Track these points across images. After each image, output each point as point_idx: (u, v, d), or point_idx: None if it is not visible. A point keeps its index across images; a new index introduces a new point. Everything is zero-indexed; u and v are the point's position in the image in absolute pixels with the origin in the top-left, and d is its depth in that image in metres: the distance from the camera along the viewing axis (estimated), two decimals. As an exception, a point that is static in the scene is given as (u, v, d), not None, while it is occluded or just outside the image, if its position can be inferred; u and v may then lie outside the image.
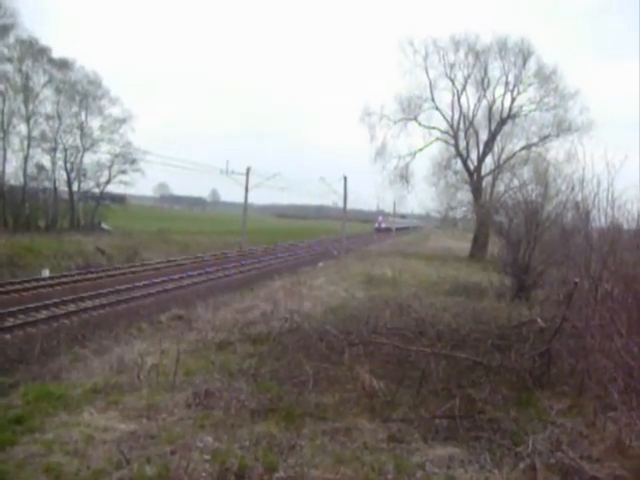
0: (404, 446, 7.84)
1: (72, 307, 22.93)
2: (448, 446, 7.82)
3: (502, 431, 8.23)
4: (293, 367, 10.94)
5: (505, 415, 8.73)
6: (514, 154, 55.26)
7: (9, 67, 49.49)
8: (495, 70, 55.74)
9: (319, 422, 8.56)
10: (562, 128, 53.77)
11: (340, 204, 64.56)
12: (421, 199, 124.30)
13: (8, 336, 18.15)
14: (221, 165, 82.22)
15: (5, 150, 49.25)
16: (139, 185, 58.72)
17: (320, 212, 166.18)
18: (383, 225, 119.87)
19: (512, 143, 56.71)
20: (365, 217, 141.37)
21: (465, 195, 58.14)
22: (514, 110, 55.63)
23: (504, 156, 56.12)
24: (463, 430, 8.24)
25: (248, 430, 8.10)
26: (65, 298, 24.06)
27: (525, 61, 54.23)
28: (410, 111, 57.31)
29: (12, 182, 50.95)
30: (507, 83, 55.16)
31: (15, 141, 50.75)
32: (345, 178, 56.89)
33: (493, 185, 54.27)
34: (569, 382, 10.46)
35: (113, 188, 61.19)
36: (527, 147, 55.27)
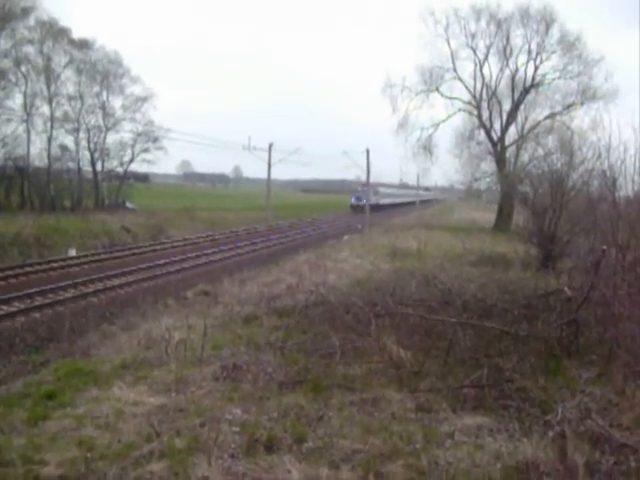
0: (432, 416, 7.85)
1: (99, 285, 23.18)
2: (476, 415, 7.81)
3: (531, 400, 8.17)
4: (320, 339, 10.97)
5: (533, 384, 8.67)
6: (538, 123, 54.63)
7: (30, 49, 49.76)
8: (517, 38, 55.04)
9: (347, 393, 8.59)
10: (587, 96, 53.04)
11: (363, 178, 64.22)
12: (444, 171, 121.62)
13: (38, 315, 18.40)
14: (243, 141, 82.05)
15: (29, 132, 49.66)
16: (162, 163, 59.17)
17: (343, 186, 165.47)
18: (366, 201, 64.12)
19: (536, 112, 56.16)
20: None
21: (489, 166, 57.71)
22: (537, 79, 54.99)
23: (528, 126, 55.59)
24: (491, 399, 8.22)
25: (276, 402, 8.15)
26: (92, 277, 24.33)
27: (548, 28, 53.41)
28: (432, 82, 56.85)
29: (37, 163, 51.38)
30: (530, 51, 54.43)
31: (38, 123, 51.15)
32: (367, 151, 56.45)
33: (517, 155, 53.75)
34: (597, 350, 10.39)
35: (136, 167, 61.67)
36: (551, 116, 54.55)
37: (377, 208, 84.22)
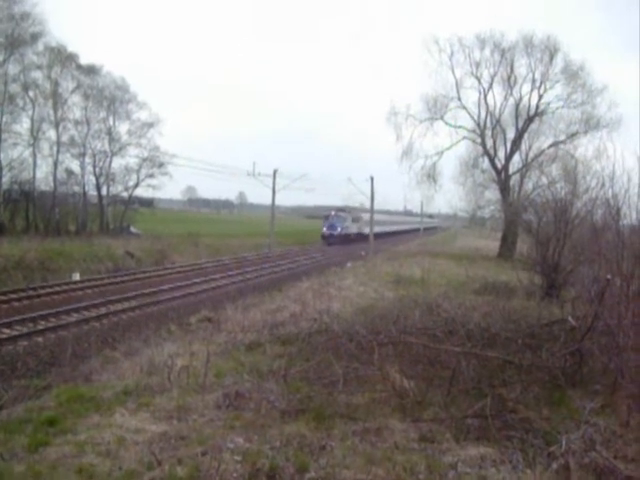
0: (435, 446, 7.79)
1: (102, 310, 23.20)
2: (480, 446, 7.75)
3: (534, 430, 8.12)
4: (323, 367, 10.91)
5: (537, 414, 8.64)
6: (542, 152, 54.98)
7: (39, 74, 50.20)
8: (521, 67, 55.64)
9: (349, 422, 8.53)
10: (590, 125, 53.41)
11: (367, 205, 64.36)
12: (448, 199, 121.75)
13: (40, 339, 18.42)
14: (248, 167, 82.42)
15: (35, 156, 49.90)
16: (167, 189, 59.51)
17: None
18: (342, 229, 72.97)
19: (540, 141, 56.64)
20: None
21: (493, 194, 57.99)
22: (541, 107, 55.46)
23: (532, 154, 56.04)
24: (495, 430, 8.15)
25: (278, 431, 8.09)
26: (95, 301, 24.34)
27: (552, 58, 53.95)
28: (436, 110, 57.38)
29: (42, 187, 51.55)
30: (534, 80, 54.99)
31: (45, 147, 51.48)
32: (372, 179, 56.72)
33: (521, 183, 53.92)
34: (602, 381, 10.34)
35: (141, 192, 62.11)
36: (555, 144, 54.86)
37: (360, 238, 74.02)
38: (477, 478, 6.86)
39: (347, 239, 73.02)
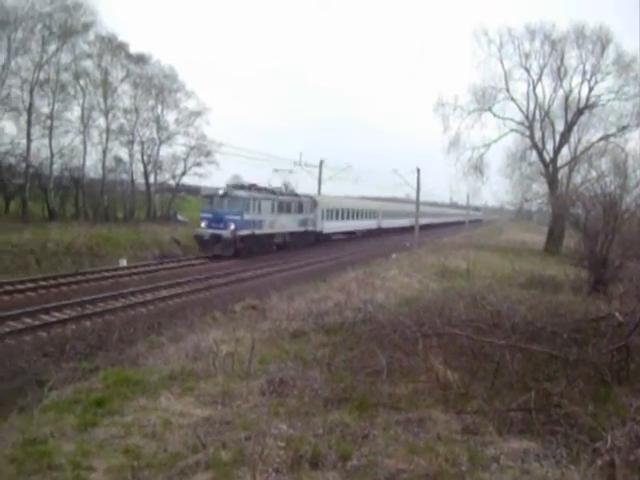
0: (478, 438, 7.78)
1: (148, 296, 23.51)
2: (523, 440, 7.72)
3: (579, 426, 8.05)
4: (366, 357, 10.95)
5: (582, 410, 8.52)
6: (591, 145, 54.03)
7: (89, 63, 50.88)
8: (572, 59, 54.56)
9: (392, 412, 8.57)
10: (642, 118, 52.24)
11: (413, 196, 63.81)
12: (495, 191, 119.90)
13: (88, 323, 18.78)
14: (294, 157, 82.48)
15: (85, 143, 50.60)
16: (213, 177, 59.27)
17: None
18: (243, 226, 38.46)
19: (589, 134, 55.64)
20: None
21: (540, 187, 57.19)
22: (591, 100, 54.39)
23: (581, 147, 55.09)
24: (538, 424, 8.10)
25: (322, 418, 8.16)
26: (142, 287, 24.67)
27: (603, 49, 52.82)
28: (484, 102, 56.67)
29: (92, 175, 52.30)
30: (584, 72, 53.87)
31: (94, 134, 52.13)
32: (418, 170, 56.24)
33: (569, 177, 52.98)
34: (649, 378, 10.21)
35: (188, 180, 62.29)
36: (605, 138, 53.88)
37: (324, 238, 53.51)
38: (520, 472, 6.84)
39: (265, 245, 42.33)
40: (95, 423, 8.07)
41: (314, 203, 51.80)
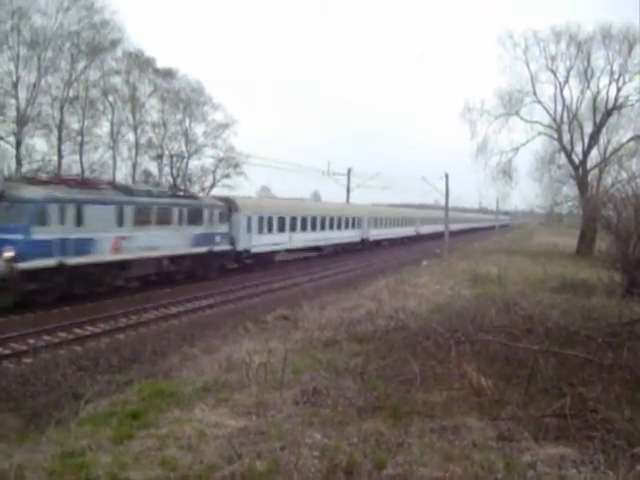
0: (514, 445, 7.73)
1: (180, 308, 23.65)
2: (559, 446, 7.66)
3: (616, 431, 7.96)
4: (399, 365, 10.94)
5: (619, 415, 8.42)
6: (621, 146, 53.43)
7: (117, 79, 51.68)
8: (599, 60, 54.09)
9: (427, 420, 8.54)
10: (673, 118, 51.65)
11: (441, 202, 63.71)
12: (524, 195, 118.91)
13: (122, 336, 18.94)
14: (322, 167, 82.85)
15: (115, 158, 51.31)
16: (242, 188, 59.70)
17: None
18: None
19: (619, 135, 55.09)
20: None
21: (570, 190, 56.82)
22: (620, 100, 53.87)
23: (611, 148, 54.54)
24: (574, 429, 8.03)
25: (356, 427, 8.16)
26: (173, 299, 24.82)
27: (631, 49, 52.28)
28: (511, 106, 56.41)
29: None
30: (612, 73, 53.40)
31: (124, 149, 53.07)
32: (446, 176, 56.02)
33: (600, 179, 52.45)
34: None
35: (218, 192, 62.67)
36: (635, 138, 53.19)
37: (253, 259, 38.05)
38: (557, 478, 6.78)
39: (103, 283, 25.34)
40: (131, 435, 8.15)
41: (230, 209, 35.42)
